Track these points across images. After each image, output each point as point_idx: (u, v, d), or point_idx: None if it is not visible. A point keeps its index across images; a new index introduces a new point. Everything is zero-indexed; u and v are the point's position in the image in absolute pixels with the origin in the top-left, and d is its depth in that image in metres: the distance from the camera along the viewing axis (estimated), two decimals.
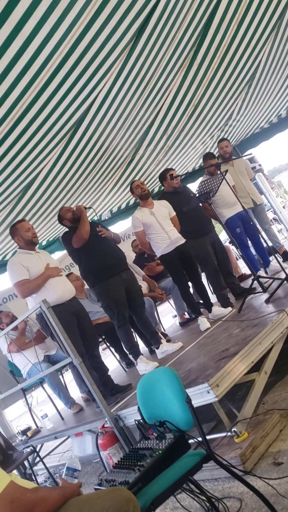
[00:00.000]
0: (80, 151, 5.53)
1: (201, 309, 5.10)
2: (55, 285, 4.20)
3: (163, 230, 4.92)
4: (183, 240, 4.98)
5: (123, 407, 3.63)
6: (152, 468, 1.96)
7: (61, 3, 3.23)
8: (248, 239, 5.82)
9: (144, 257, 6.84)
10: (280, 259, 5.56)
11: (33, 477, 4.66)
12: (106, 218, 8.17)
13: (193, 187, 6.19)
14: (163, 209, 5.09)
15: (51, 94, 4.06)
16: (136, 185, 5.12)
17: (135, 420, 2.40)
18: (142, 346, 5.37)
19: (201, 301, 5.27)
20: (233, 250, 6.97)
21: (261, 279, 4.76)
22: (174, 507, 2.74)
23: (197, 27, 4.97)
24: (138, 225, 4.96)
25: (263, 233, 6.26)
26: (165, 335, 5.83)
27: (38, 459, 4.84)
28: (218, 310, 4.96)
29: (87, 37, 3.77)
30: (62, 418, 5.23)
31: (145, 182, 7.01)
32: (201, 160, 8.55)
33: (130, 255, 6.78)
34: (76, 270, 5.92)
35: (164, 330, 6.74)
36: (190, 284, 5.20)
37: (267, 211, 8.39)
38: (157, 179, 6.75)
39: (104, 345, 6.06)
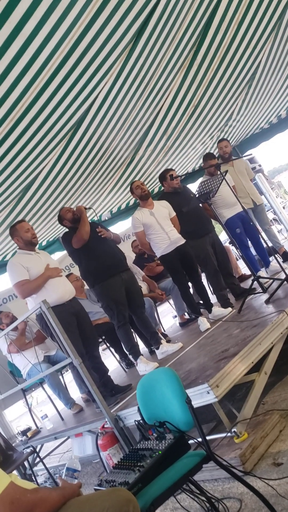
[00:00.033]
0: (80, 151, 5.53)
1: (201, 310, 5.11)
2: (55, 286, 4.20)
3: (163, 231, 4.92)
4: (183, 241, 4.98)
5: (123, 408, 3.63)
6: (152, 469, 1.96)
7: (61, 4, 3.23)
8: (248, 239, 5.82)
9: (144, 257, 6.84)
10: (280, 260, 5.56)
11: (33, 477, 4.66)
12: (106, 218, 8.17)
13: (193, 187, 6.19)
14: (163, 210, 5.09)
15: (51, 94, 4.06)
16: (136, 186, 5.12)
17: (135, 420, 2.40)
18: (142, 346, 5.37)
19: (201, 302, 5.27)
20: (233, 251, 6.98)
21: (261, 280, 4.76)
22: (174, 508, 2.74)
23: (197, 28, 4.97)
24: (138, 225, 4.97)
25: (263, 234, 6.27)
26: (165, 336, 5.83)
27: (38, 459, 4.84)
28: (218, 310, 4.96)
29: (87, 38, 3.77)
30: (62, 419, 5.23)
31: (145, 183, 7.01)
32: (201, 161, 8.56)
33: (130, 256, 6.78)
34: (76, 271, 5.92)
35: (164, 331, 6.74)
36: (190, 284, 5.21)
37: (267, 211, 8.39)
38: (157, 180, 6.75)
39: (104, 346, 6.05)
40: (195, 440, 2.17)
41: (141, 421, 2.37)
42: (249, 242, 5.87)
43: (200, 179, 6.07)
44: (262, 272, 5.72)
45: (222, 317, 4.83)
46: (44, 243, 7.55)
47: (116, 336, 4.80)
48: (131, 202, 8.56)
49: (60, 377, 5.70)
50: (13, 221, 5.55)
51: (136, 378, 4.20)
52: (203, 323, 4.80)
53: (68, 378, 7.02)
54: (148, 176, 7.93)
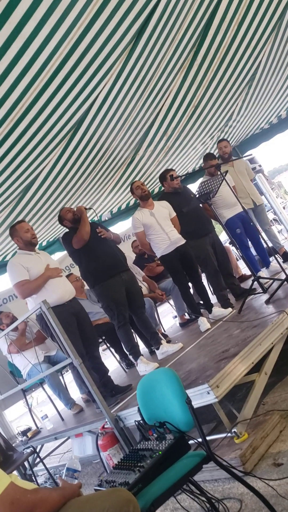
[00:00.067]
0: (80, 151, 5.53)
1: (201, 310, 5.11)
2: (55, 286, 4.20)
3: (163, 231, 4.92)
4: (183, 241, 4.98)
5: (123, 408, 3.63)
6: (152, 469, 1.97)
7: (61, 4, 3.23)
8: (248, 239, 5.82)
9: (144, 257, 6.84)
10: (280, 260, 5.56)
11: (33, 478, 4.66)
12: (106, 218, 8.17)
13: (193, 187, 6.20)
14: (163, 210, 5.09)
15: (51, 95, 4.06)
16: (136, 186, 5.13)
17: (135, 421, 2.41)
18: (142, 346, 5.37)
19: (201, 302, 5.27)
20: (233, 251, 6.97)
21: (261, 280, 4.76)
22: (174, 508, 2.74)
23: (197, 28, 4.97)
24: (138, 225, 4.97)
25: (263, 234, 6.27)
26: (165, 336, 5.83)
27: (38, 460, 4.84)
28: (218, 310, 4.96)
29: (87, 38, 3.77)
30: (62, 419, 5.23)
31: (145, 183, 7.01)
32: (201, 161, 8.57)
33: (130, 256, 6.79)
34: (76, 271, 5.92)
35: (164, 331, 6.74)
36: (190, 284, 5.20)
37: (267, 211, 8.39)
38: (157, 180, 6.75)
39: (104, 346, 6.05)
40: (195, 441, 2.17)
41: (141, 421, 2.37)
42: (249, 242, 5.88)
43: (200, 179, 6.08)
44: (262, 273, 5.72)
45: (222, 317, 4.83)
46: (44, 244, 7.55)
47: (116, 337, 4.80)
48: (131, 202, 8.56)
49: (60, 377, 5.70)
50: (13, 221, 5.55)
51: (136, 379, 4.21)
52: (203, 323, 4.80)
53: (68, 378, 7.02)
54: (148, 176, 7.93)
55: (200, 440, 2.07)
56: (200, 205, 5.39)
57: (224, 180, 4.85)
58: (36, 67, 3.59)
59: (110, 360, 6.63)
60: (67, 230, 4.75)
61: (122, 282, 4.50)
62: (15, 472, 4.66)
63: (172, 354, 4.53)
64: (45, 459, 5.00)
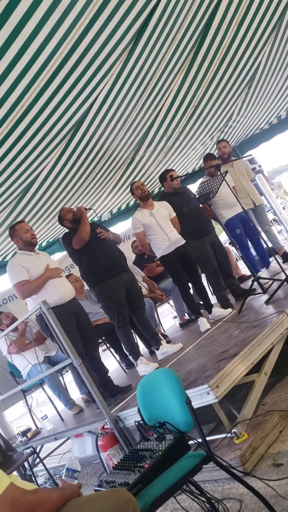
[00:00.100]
0: (80, 152, 5.53)
1: (201, 310, 5.11)
2: (55, 286, 4.20)
3: (163, 232, 4.93)
4: (183, 241, 4.98)
5: (123, 408, 3.63)
6: (152, 469, 1.97)
7: (61, 4, 3.23)
8: (248, 240, 5.82)
9: (144, 258, 6.84)
10: (280, 260, 5.56)
11: (33, 478, 4.66)
12: (106, 219, 8.16)
13: (193, 188, 6.19)
14: (163, 210, 5.09)
15: (51, 95, 4.06)
16: (136, 186, 5.13)
17: (135, 421, 2.40)
18: (142, 347, 5.37)
19: (201, 302, 5.27)
20: (233, 251, 6.97)
21: (261, 280, 4.76)
22: (174, 508, 2.74)
23: (197, 28, 4.97)
24: (138, 226, 4.97)
25: (263, 234, 6.27)
26: (165, 336, 5.83)
27: (38, 460, 4.84)
28: (218, 311, 4.96)
29: (87, 39, 3.77)
30: (62, 419, 5.23)
31: (145, 183, 7.01)
32: (201, 161, 8.57)
33: (130, 256, 6.78)
34: (76, 271, 5.92)
35: (164, 331, 6.74)
36: (190, 285, 5.20)
37: (267, 212, 8.39)
38: (157, 180, 6.75)
39: (104, 346, 6.05)
40: (195, 441, 2.17)
41: (141, 421, 2.37)
42: (249, 242, 5.88)
43: (200, 180, 6.07)
44: (262, 273, 5.72)
45: (222, 317, 4.83)
46: (44, 244, 7.55)
47: (116, 337, 4.80)
48: (131, 203, 8.56)
49: (60, 377, 5.70)
50: (13, 221, 5.55)
51: (136, 379, 4.21)
52: (203, 323, 4.80)
53: (68, 378, 7.02)
54: (148, 176, 7.93)
55: (200, 440, 2.07)
56: (200, 205, 5.39)
57: (224, 181, 4.86)
58: (36, 67, 3.59)
59: (110, 360, 6.63)
60: (67, 230, 4.75)
61: (122, 282, 4.50)
62: (15, 473, 4.66)
63: (172, 354, 4.53)
64: (45, 459, 5.00)
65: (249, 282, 5.12)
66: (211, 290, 5.68)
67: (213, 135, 8.09)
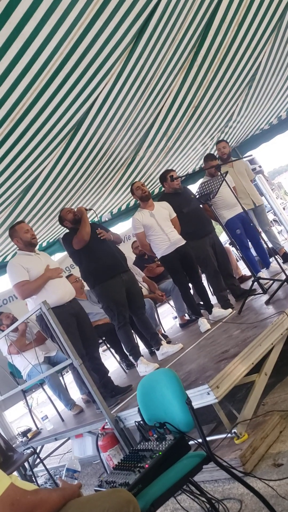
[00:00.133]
0: (80, 152, 5.53)
1: (201, 311, 5.10)
2: (55, 287, 4.20)
3: (163, 232, 4.92)
4: (183, 242, 4.98)
5: (123, 409, 3.63)
6: (152, 470, 1.96)
7: (61, 4, 3.23)
8: (248, 240, 5.82)
9: (145, 258, 6.84)
10: (280, 261, 5.56)
11: (33, 478, 4.66)
12: (106, 219, 8.16)
13: (194, 188, 6.20)
14: (164, 211, 5.09)
15: (52, 95, 4.06)
16: (137, 187, 5.13)
17: (135, 421, 2.40)
18: (142, 347, 5.37)
19: (201, 303, 5.27)
20: (233, 252, 6.97)
21: (261, 281, 4.76)
22: (174, 509, 2.74)
23: (197, 29, 4.97)
24: (139, 226, 4.97)
25: (263, 235, 6.27)
26: (165, 337, 5.83)
27: (38, 460, 4.84)
28: (218, 311, 4.96)
29: (87, 39, 3.77)
30: (63, 420, 5.23)
31: (146, 184, 7.01)
32: (201, 162, 8.58)
33: (131, 257, 6.78)
34: (76, 272, 5.92)
35: (164, 332, 6.74)
36: (190, 285, 5.20)
37: (267, 212, 8.39)
38: (158, 181, 6.75)
39: (105, 347, 6.05)
40: (195, 441, 2.16)
41: (141, 422, 2.37)
42: (249, 243, 5.88)
43: (201, 180, 6.08)
44: (262, 273, 5.72)
45: (222, 318, 4.83)
46: (44, 244, 7.55)
47: (117, 337, 4.80)
48: (132, 203, 8.56)
49: (60, 378, 5.70)
50: (14, 222, 5.55)
51: (136, 379, 4.20)
52: (203, 324, 4.80)
53: (68, 379, 7.02)
54: (148, 177, 7.93)
55: (200, 440, 2.07)
56: (200, 205, 5.39)
57: (224, 181, 4.86)
58: (36, 67, 3.59)
59: (110, 360, 6.63)
60: (67, 230, 4.75)
61: (122, 282, 4.50)
62: (15, 473, 4.66)
63: (172, 354, 4.53)
64: (45, 459, 5.00)
65: (249, 282, 5.12)
66: (211, 290, 5.68)
67: (213, 136, 8.09)
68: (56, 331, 3.66)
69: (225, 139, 8.31)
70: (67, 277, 5.54)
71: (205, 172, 6.23)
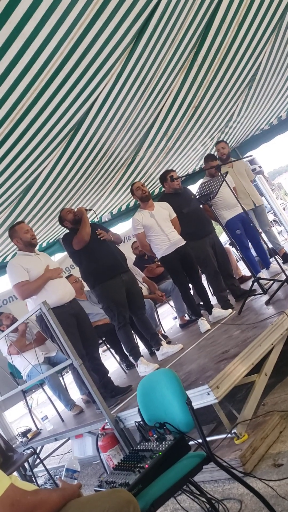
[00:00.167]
0: (80, 152, 5.53)
1: (201, 311, 5.10)
2: (55, 287, 4.20)
3: (163, 233, 4.92)
4: (183, 242, 4.98)
5: (123, 409, 3.63)
6: (152, 470, 1.96)
7: (61, 4, 3.23)
8: (248, 240, 5.82)
9: (144, 259, 6.84)
10: (280, 261, 5.56)
11: (33, 479, 4.66)
12: (106, 220, 8.17)
13: (194, 188, 6.20)
14: (164, 211, 5.09)
15: (51, 95, 4.06)
16: (137, 187, 5.12)
17: (135, 421, 2.40)
18: (142, 347, 5.37)
19: (201, 303, 5.27)
20: (233, 252, 6.97)
21: (261, 281, 4.76)
22: (174, 509, 2.73)
23: (197, 29, 4.98)
24: (139, 227, 4.97)
25: (263, 235, 6.27)
26: (165, 337, 5.83)
27: (38, 461, 4.84)
28: (218, 312, 4.95)
29: (87, 39, 3.78)
30: (62, 420, 5.23)
31: (146, 184, 7.02)
32: (201, 162, 8.58)
33: (131, 257, 6.78)
34: (76, 272, 5.92)
35: (164, 332, 6.74)
36: (190, 285, 5.20)
37: (267, 213, 8.39)
38: (158, 181, 6.75)
39: (105, 347, 6.05)
40: (195, 441, 2.16)
41: (141, 422, 2.37)
42: (249, 243, 5.88)
43: (201, 180, 6.08)
44: (262, 274, 5.72)
45: (222, 318, 4.82)
46: (44, 245, 7.55)
47: (117, 337, 4.80)
48: (132, 204, 8.56)
49: (60, 378, 5.70)
50: (13, 222, 5.55)
51: (136, 379, 4.20)
52: (203, 324, 4.80)
53: (68, 379, 7.02)
54: (148, 177, 7.93)
55: (200, 441, 2.06)
56: (200, 206, 5.39)
57: (224, 181, 4.86)
58: (36, 67, 3.59)
59: (110, 361, 6.63)
60: (67, 231, 4.75)
61: (122, 283, 4.50)
62: (15, 473, 4.66)
63: (172, 355, 4.53)
64: (45, 460, 5.00)
65: (249, 282, 5.12)
66: (211, 290, 5.68)
67: (213, 136, 8.09)
68: (56, 331, 3.66)
69: (225, 139, 8.33)
70: (67, 277, 5.54)
71: (205, 173, 6.23)
